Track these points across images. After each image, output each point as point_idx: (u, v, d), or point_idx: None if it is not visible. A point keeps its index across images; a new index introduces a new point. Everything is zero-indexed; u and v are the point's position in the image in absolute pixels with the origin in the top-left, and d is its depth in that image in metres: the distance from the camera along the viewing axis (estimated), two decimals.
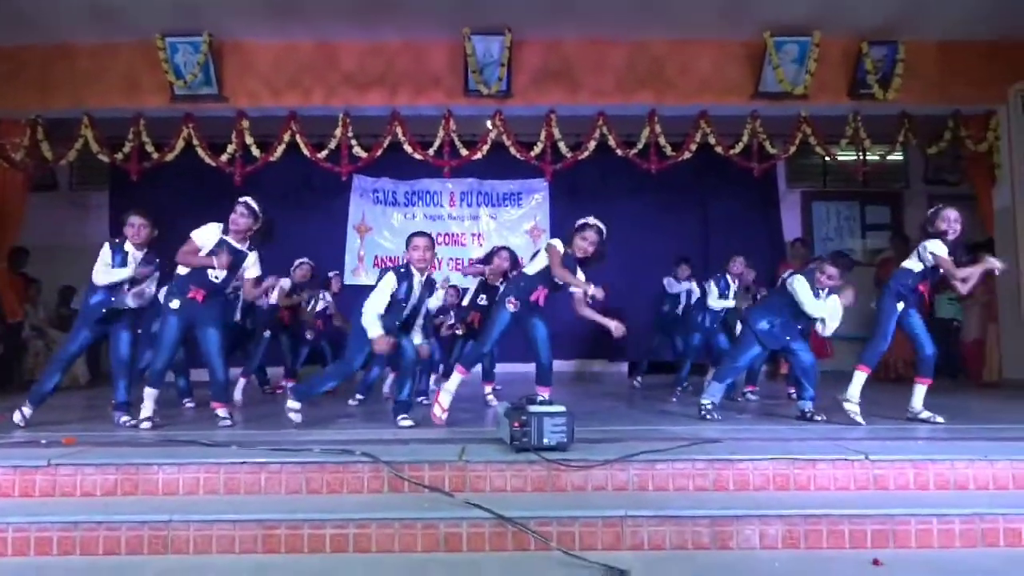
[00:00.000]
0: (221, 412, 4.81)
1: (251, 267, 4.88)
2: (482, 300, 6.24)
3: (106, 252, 4.83)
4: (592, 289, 4.65)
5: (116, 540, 3.16)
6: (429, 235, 4.82)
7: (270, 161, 7.58)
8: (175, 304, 4.70)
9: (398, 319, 4.73)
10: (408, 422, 4.65)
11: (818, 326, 5.09)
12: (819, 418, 4.83)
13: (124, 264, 4.81)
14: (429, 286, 4.92)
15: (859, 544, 3.14)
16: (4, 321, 7.68)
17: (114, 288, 4.79)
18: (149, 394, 4.74)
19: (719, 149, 7.66)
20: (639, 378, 7.64)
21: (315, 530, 3.16)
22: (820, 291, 5.01)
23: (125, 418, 4.78)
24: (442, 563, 3.03)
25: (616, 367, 9.73)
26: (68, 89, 7.43)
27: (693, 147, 7.65)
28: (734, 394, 6.27)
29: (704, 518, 3.19)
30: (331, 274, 7.60)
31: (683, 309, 7.54)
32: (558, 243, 4.85)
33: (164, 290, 6.13)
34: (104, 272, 4.78)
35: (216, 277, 4.71)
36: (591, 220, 4.89)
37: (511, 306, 4.85)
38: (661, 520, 3.19)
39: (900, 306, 4.85)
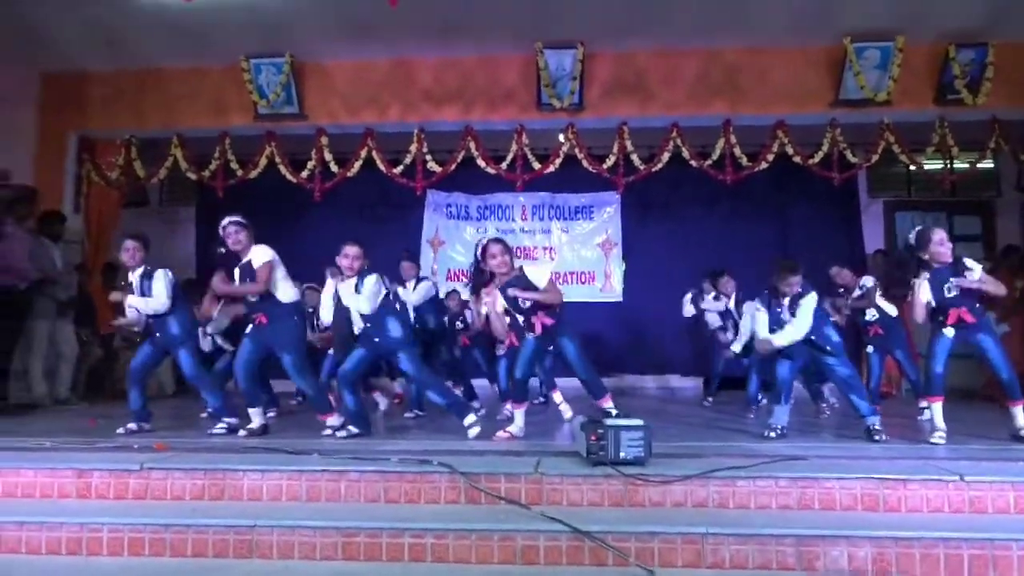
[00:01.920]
0: (329, 421, 4.88)
1: (259, 256, 4.83)
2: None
3: (119, 296, 5.01)
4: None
5: (204, 543, 3.26)
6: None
7: (347, 177, 7.76)
8: (249, 328, 4.85)
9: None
10: (476, 430, 4.69)
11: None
12: (881, 437, 4.52)
13: (130, 290, 4.95)
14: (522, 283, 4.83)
15: (955, 570, 2.98)
16: (99, 333, 8.06)
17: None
18: (254, 413, 4.87)
19: (797, 159, 7.47)
20: (710, 398, 7.43)
21: (393, 539, 3.20)
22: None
23: (220, 427, 4.93)
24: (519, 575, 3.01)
25: (690, 382, 9.53)
26: (160, 111, 7.80)
27: (770, 157, 7.50)
28: (822, 405, 6.06)
29: (789, 537, 3.09)
30: (444, 293, 7.41)
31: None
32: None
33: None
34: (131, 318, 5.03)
35: (251, 296, 4.81)
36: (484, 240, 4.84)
37: (530, 333, 4.80)
38: (744, 539, 3.10)
39: (948, 332, 4.57)
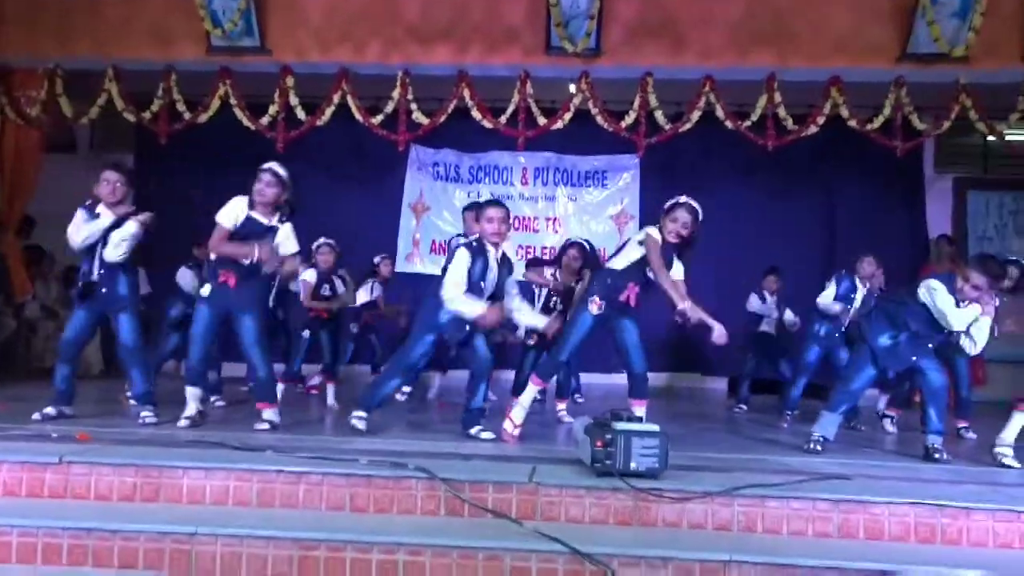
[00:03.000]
0: (267, 413, 4.90)
1: (285, 241, 4.93)
2: (555, 305, 6.22)
3: (79, 216, 4.98)
4: (684, 304, 4.62)
5: (133, 552, 3.27)
6: (504, 205, 4.91)
7: (317, 125, 7.70)
8: (205, 291, 4.84)
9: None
10: (488, 434, 4.73)
11: (964, 342, 4.85)
12: (942, 457, 4.63)
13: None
14: (507, 264, 4.94)
15: None
16: (12, 300, 8.03)
17: (92, 257, 4.96)
18: (191, 394, 4.92)
19: (853, 123, 7.43)
20: (743, 405, 7.46)
21: (360, 554, 3.22)
22: (961, 303, 4.78)
23: (146, 413, 4.94)
24: None
25: (712, 383, 9.58)
26: (91, 36, 7.67)
27: (820, 120, 7.45)
28: (854, 422, 6.09)
29: (829, 570, 3.11)
30: (378, 259, 7.68)
31: (776, 326, 7.43)
32: (655, 232, 4.80)
33: (183, 274, 6.31)
34: (76, 228, 4.93)
35: (249, 259, 4.81)
36: (682, 199, 4.85)
37: (595, 307, 4.81)
38: (773, 570, 3.13)
39: None
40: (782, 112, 7.43)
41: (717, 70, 7.43)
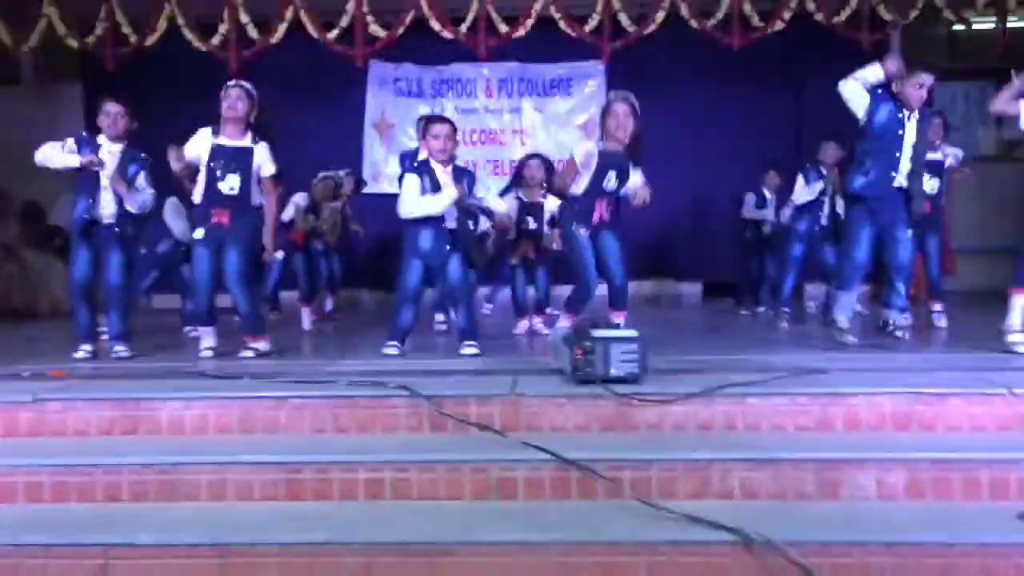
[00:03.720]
0: (257, 345, 4.83)
1: (265, 163, 4.79)
2: (530, 224, 6.15)
3: (68, 142, 4.83)
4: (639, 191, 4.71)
5: (118, 485, 3.25)
6: (449, 121, 4.87)
7: (271, 45, 7.49)
8: (199, 234, 4.75)
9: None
10: (473, 350, 4.71)
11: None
12: (900, 335, 4.68)
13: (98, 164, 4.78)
14: (465, 175, 4.85)
15: (1001, 495, 3.08)
16: None
17: (89, 194, 4.78)
18: (204, 331, 4.90)
19: (819, 17, 7.33)
20: (762, 307, 7.44)
21: (346, 474, 3.22)
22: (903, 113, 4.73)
23: (120, 348, 4.86)
24: (496, 512, 3.07)
25: (689, 288, 9.65)
26: None
27: (786, 16, 7.36)
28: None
29: (808, 462, 3.16)
30: (342, 172, 7.51)
31: (772, 230, 7.39)
32: (581, 148, 4.77)
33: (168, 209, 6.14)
34: (46, 152, 4.81)
35: (232, 188, 4.67)
36: (610, 95, 4.83)
37: (581, 231, 4.76)
38: (756, 464, 3.17)
39: None
40: (747, 9, 7.32)
41: None
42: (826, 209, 6.42)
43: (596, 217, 4.75)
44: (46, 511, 3.20)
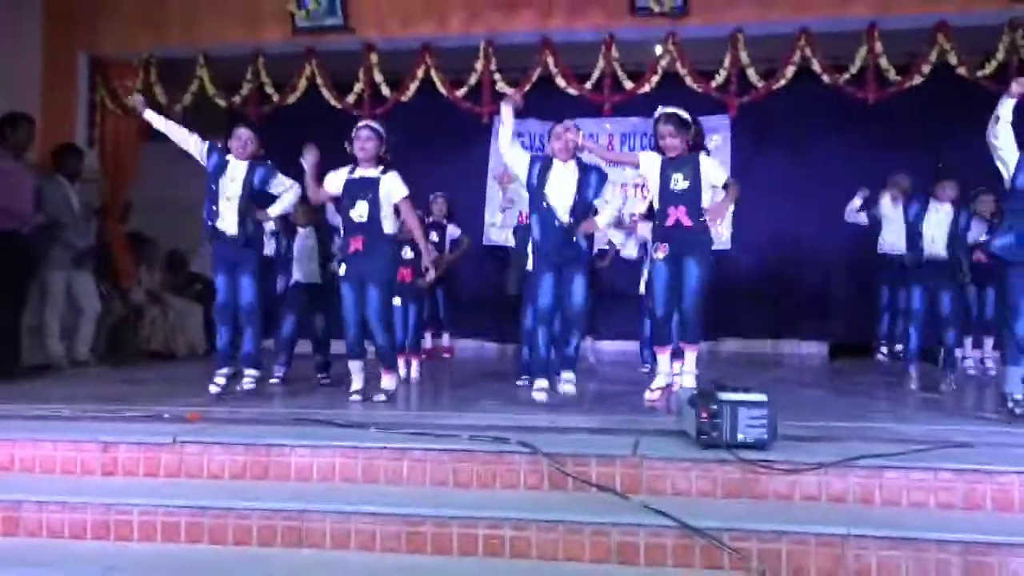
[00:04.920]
0: (386, 382, 5.07)
1: (395, 188, 4.96)
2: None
3: (199, 141, 5.29)
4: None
5: (247, 529, 3.36)
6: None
7: (401, 101, 7.74)
8: (342, 270, 5.00)
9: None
10: (571, 387, 4.76)
11: None
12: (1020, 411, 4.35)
13: (222, 171, 5.16)
14: (590, 173, 4.89)
15: None
16: (119, 286, 8.34)
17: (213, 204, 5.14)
18: (353, 367, 5.11)
19: (962, 70, 7.05)
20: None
21: (465, 529, 3.24)
22: None
23: (250, 372, 5.17)
24: None
25: (816, 347, 9.32)
26: (182, 24, 7.88)
27: (925, 69, 7.09)
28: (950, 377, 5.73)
29: (953, 543, 2.99)
30: (432, 196, 7.69)
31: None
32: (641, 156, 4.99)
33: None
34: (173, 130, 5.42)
35: (361, 216, 4.89)
36: (656, 113, 4.82)
37: (660, 253, 4.80)
38: (895, 543, 3.02)
39: None
40: (884, 63, 7.11)
41: (812, 22, 7.14)
42: None
43: (672, 221, 4.72)
44: (180, 551, 3.34)
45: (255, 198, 5.23)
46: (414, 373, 6.33)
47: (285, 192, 5.30)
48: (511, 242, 8.20)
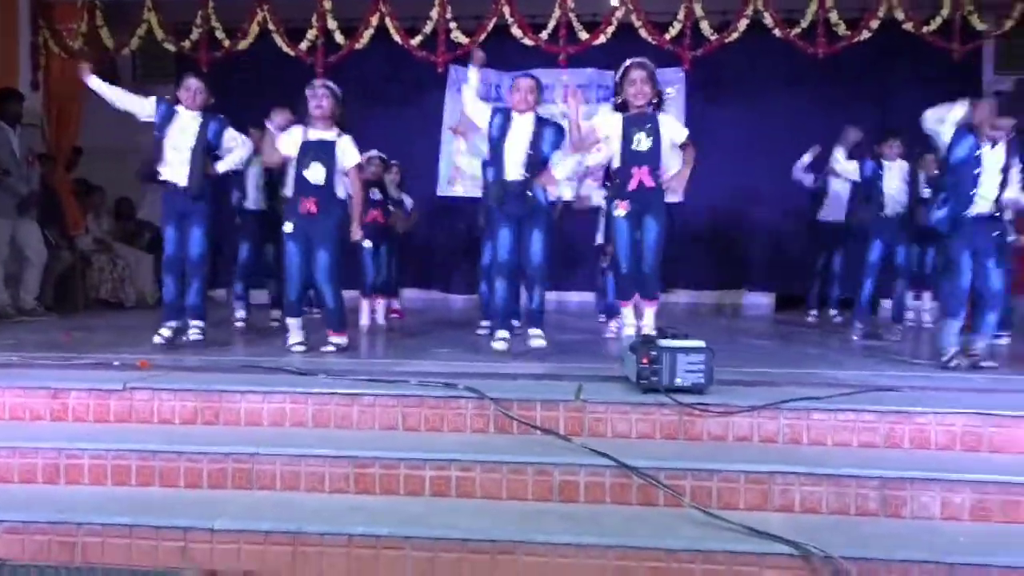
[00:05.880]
0: (335, 340, 5.03)
1: (348, 153, 4.97)
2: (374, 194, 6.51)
3: (148, 101, 5.21)
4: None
5: (198, 472, 3.44)
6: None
7: (355, 49, 7.69)
8: (289, 228, 4.94)
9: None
10: (541, 342, 4.82)
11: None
12: (986, 364, 4.56)
13: (169, 120, 5.13)
14: (546, 127, 4.96)
15: None
16: (67, 234, 8.25)
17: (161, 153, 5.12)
18: (292, 324, 5.08)
19: (908, 26, 7.20)
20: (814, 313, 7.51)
21: (413, 471, 3.34)
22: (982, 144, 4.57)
23: (196, 323, 5.18)
24: (557, 514, 3.15)
25: (765, 298, 9.56)
26: None
27: (874, 24, 7.23)
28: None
29: (872, 479, 3.17)
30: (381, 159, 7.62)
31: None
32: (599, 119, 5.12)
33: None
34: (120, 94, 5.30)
35: (317, 179, 4.86)
36: (627, 61, 4.88)
37: (620, 210, 4.87)
38: (818, 479, 3.19)
39: None
40: (833, 17, 7.23)
41: None
42: None
43: (634, 184, 4.81)
44: (132, 494, 3.41)
45: (208, 151, 5.19)
46: (380, 319, 6.52)
47: (237, 148, 5.30)
48: (469, 193, 8.24)
